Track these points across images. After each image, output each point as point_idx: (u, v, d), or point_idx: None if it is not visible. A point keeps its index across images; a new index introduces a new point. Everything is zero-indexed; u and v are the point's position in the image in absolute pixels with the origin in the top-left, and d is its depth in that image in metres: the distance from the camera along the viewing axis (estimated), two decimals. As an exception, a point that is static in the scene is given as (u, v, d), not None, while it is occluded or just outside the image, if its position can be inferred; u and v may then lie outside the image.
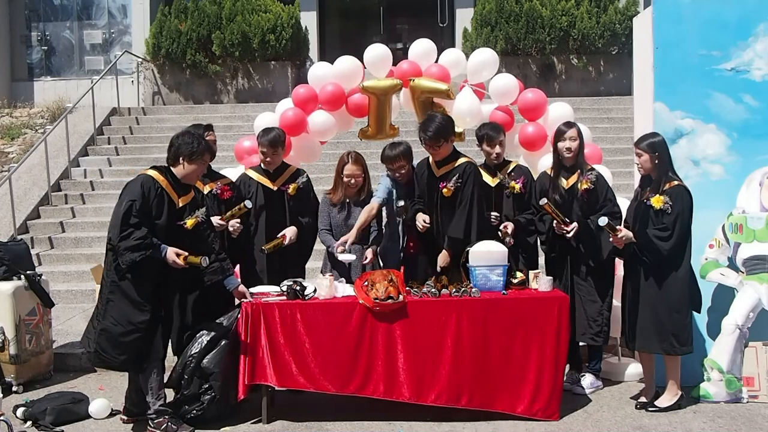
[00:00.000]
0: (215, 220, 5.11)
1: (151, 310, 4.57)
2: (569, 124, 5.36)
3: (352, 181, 5.46)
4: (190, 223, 4.67)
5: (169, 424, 4.70)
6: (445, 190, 5.16)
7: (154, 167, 4.75)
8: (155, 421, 4.72)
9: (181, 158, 4.67)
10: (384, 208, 5.57)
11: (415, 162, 5.54)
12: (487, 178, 5.48)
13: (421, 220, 5.15)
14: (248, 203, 5.20)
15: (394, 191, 5.52)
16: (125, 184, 4.69)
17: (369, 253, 5.42)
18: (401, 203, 5.39)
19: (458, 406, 4.86)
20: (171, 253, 4.53)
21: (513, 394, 4.86)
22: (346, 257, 5.30)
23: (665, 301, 4.91)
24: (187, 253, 4.56)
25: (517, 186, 5.39)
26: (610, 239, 4.99)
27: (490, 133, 5.47)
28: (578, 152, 5.28)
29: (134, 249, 4.42)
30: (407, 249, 5.51)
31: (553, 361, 4.83)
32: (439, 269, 5.17)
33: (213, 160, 5.30)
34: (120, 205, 4.53)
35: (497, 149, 5.45)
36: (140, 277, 4.53)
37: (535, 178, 5.57)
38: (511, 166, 5.56)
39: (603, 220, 4.88)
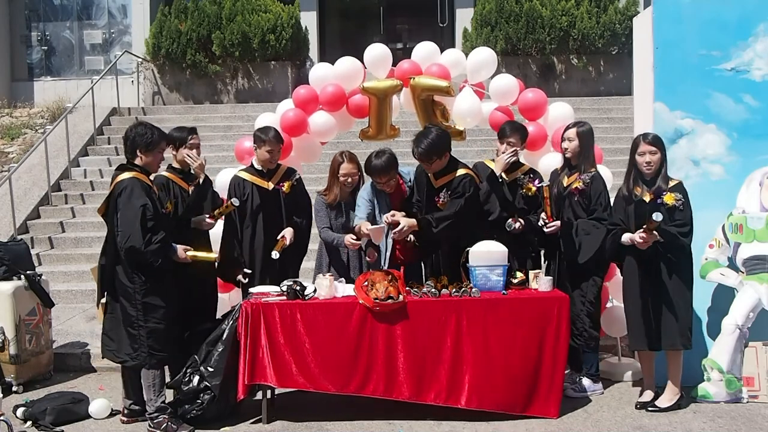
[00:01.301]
0: (203, 217, 5.14)
1: (175, 302, 4.82)
2: (573, 124, 5.35)
3: (349, 180, 5.44)
4: (170, 205, 4.95)
5: (169, 423, 4.72)
6: (440, 204, 5.17)
7: (125, 169, 4.81)
8: (155, 421, 4.74)
9: (137, 150, 4.79)
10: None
11: (415, 164, 5.52)
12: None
13: (389, 215, 5.15)
14: (235, 201, 5.19)
15: (376, 204, 5.41)
16: (119, 193, 4.67)
17: (372, 253, 5.38)
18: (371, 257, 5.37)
19: (457, 406, 4.86)
20: (180, 250, 4.80)
21: (512, 393, 4.87)
22: (377, 227, 5.19)
23: (684, 297, 4.94)
24: (192, 249, 4.84)
25: (533, 188, 5.36)
26: (639, 238, 4.81)
27: (505, 129, 5.44)
28: (578, 153, 5.27)
29: (158, 253, 4.63)
30: (394, 259, 5.44)
31: (553, 361, 4.84)
32: (397, 229, 5.09)
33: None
34: (130, 213, 4.59)
35: (503, 147, 5.38)
36: (161, 274, 4.72)
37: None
38: (525, 168, 5.52)
39: (658, 216, 4.71)
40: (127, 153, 4.85)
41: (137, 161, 4.81)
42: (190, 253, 4.88)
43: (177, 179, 5.26)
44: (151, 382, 4.75)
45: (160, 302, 4.70)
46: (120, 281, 4.71)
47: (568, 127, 5.38)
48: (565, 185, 5.33)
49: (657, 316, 4.98)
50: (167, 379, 5.00)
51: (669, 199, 4.88)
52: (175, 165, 5.35)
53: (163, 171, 5.34)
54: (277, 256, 5.21)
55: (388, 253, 5.41)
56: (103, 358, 4.99)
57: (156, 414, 4.74)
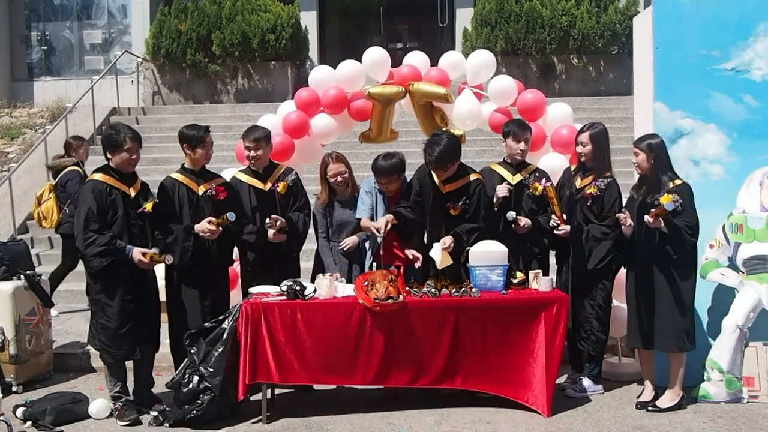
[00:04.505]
0: (205, 224, 5.03)
1: (134, 300, 4.90)
2: (587, 127, 5.30)
3: (339, 179, 5.49)
4: (149, 206, 4.95)
5: (120, 410, 4.93)
6: (452, 211, 5.16)
7: (97, 169, 5.03)
8: (114, 406, 4.98)
9: (107, 153, 4.99)
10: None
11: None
12: (506, 175, 5.43)
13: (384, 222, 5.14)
14: (231, 216, 5.02)
15: (374, 199, 5.45)
16: (76, 196, 5.04)
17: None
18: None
19: (452, 387, 4.97)
20: (137, 253, 4.80)
21: (509, 391, 4.95)
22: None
23: (680, 300, 4.92)
24: (152, 251, 4.85)
25: (540, 187, 5.32)
26: (650, 219, 4.79)
27: (515, 129, 5.41)
28: (593, 157, 5.22)
29: (100, 255, 4.75)
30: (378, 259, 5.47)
31: (550, 361, 4.85)
32: (443, 246, 5.07)
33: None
34: (78, 215, 4.84)
35: (522, 146, 5.37)
36: (117, 274, 4.81)
37: None
38: (532, 168, 5.50)
39: (669, 205, 4.76)
40: (105, 154, 5.07)
41: (112, 161, 4.97)
42: (149, 253, 4.81)
43: (187, 181, 5.18)
44: (106, 373, 5.01)
45: (109, 301, 4.83)
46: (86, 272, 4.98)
47: (581, 131, 5.31)
48: (578, 187, 5.30)
49: (650, 316, 5.00)
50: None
51: (665, 200, 4.83)
52: (188, 165, 5.25)
53: (174, 172, 5.31)
54: (271, 226, 5.21)
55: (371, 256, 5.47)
56: (87, 342, 5.15)
57: (113, 401, 5.01)
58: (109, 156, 4.96)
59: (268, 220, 5.22)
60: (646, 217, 4.79)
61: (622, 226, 5.02)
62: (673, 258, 4.89)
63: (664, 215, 4.75)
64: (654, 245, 4.90)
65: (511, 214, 5.24)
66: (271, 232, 5.25)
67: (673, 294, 4.92)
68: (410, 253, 5.20)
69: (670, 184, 4.91)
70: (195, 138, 5.16)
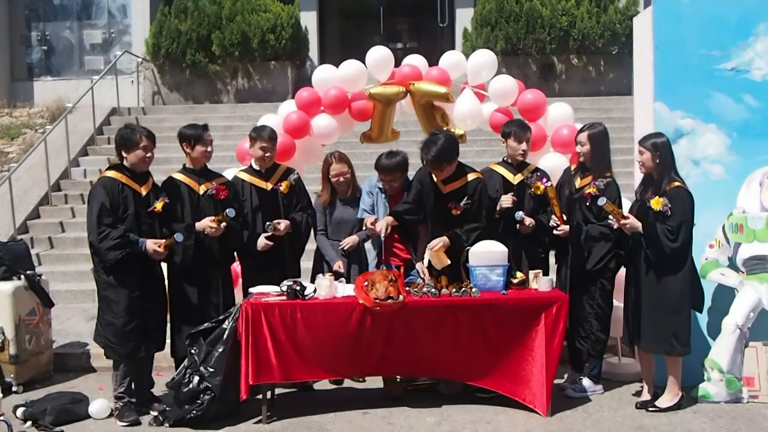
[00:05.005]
0: (207, 221, 5.05)
1: (141, 297, 4.92)
2: (587, 127, 5.31)
3: (341, 179, 5.52)
4: (159, 205, 4.99)
5: (121, 410, 4.95)
6: (454, 211, 5.14)
7: (110, 167, 5.09)
8: (115, 406, 5.00)
9: (122, 152, 4.99)
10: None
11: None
12: (507, 175, 5.43)
13: (384, 224, 5.14)
14: (230, 212, 5.05)
15: (375, 198, 5.51)
16: (89, 192, 5.03)
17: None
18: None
19: (451, 378, 5.06)
20: (150, 244, 4.86)
21: (507, 389, 4.98)
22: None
23: (666, 302, 4.90)
24: (164, 240, 4.90)
25: (542, 186, 5.32)
26: (611, 221, 4.92)
27: (516, 130, 5.41)
28: (591, 157, 5.23)
29: (115, 248, 4.80)
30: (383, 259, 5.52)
31: (548, 360, 4.85)
32: (432, 249, 5.07)
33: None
34: (91, 210, 4.86)
35: (523, 146, 5.38)
36: (126, 270, 4.86)
37: None
38: (532, 167, 5.50)
39: (602, 200, 4.82)
40: (117, 154, 5.08)
41: (126, 160, 4.99)
42: (162, 243, 4.88)
43: (188, 180, 5.20)
44: (114, 371, 5.00)
45: (116, 298, 4.87)
46: (95, 269, 5.01)
47: (580, 131, 5.34)
48: (577, 187, 5.31)
49: (636, 315, 5.03)
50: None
51: (655, 203, 4.83)
52: (188, 165, 5.26)
53: (176, 172, 5.30)
54: (274, 228, 5.21)
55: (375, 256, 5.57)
56: (94, 339, 5.15)
57: (114, 400, 5.01)
58: (124, 154, 4.97)
59: (268, 224, 5.21)
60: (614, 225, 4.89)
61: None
62: (655, 260, 4.88)
63: (615, 216, 4.84)
64: (641, 245, 4.92)
65: (519, 214, 5.24)
66: (261, 240, 5.25)
67: (659, 295, 4.92)
68: (421, 270, 5.20)
69: (667, 187, 4.90)
70: (193, 136, 5.17)
